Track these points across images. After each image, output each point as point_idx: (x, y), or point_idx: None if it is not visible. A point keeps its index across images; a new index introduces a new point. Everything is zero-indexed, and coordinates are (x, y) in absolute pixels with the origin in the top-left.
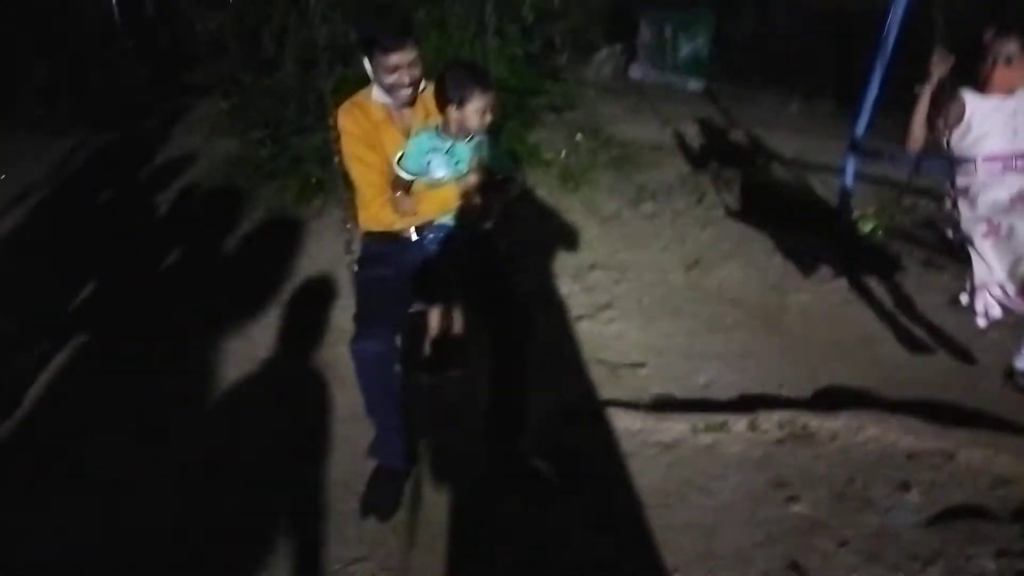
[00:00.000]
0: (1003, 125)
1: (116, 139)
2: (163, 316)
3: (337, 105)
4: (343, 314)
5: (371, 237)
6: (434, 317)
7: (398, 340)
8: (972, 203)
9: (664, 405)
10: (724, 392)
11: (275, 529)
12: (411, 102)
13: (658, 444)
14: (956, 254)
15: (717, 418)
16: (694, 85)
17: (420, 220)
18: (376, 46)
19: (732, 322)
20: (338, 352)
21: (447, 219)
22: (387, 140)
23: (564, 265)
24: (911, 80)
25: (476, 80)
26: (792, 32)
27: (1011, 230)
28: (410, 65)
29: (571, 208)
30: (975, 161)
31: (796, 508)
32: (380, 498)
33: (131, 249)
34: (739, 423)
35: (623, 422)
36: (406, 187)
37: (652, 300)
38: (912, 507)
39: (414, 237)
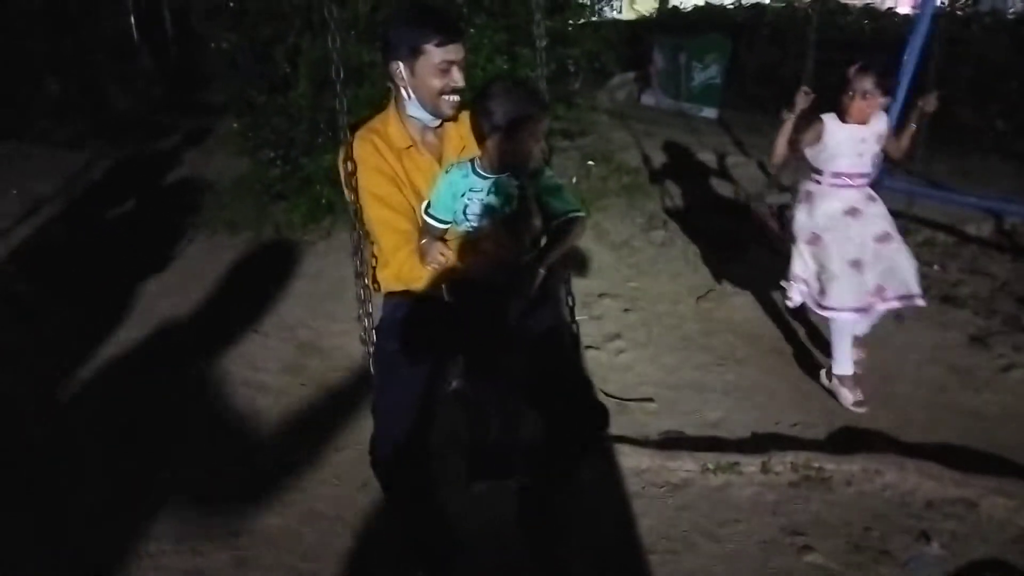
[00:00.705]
0: (852, 149)
1: (129, 155)
2: (161, 332)
3: (352, 131)
4: (346, 338)
5: (395, 301)
6: (485, 404)
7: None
8: (811, 208)
9: (673, 443)
10: (735, 430)
11: None
12: (452, 118)
13: (666, 484)
14: (781, 246)
15: (728, 458)
16: (708, 113)
17: (456, 276)
18: (425, 36)
19: (744, 355)
20: (339, 379)
21: (491, 274)
22: (416, 173)
23: (573, 292)
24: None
25: (531, 100)
26: (807, 62)
27: (825, 243)
28: (461, 64)
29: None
30: (824, 173)
31: (810, 558)
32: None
33: (134, 265)
34: (751, 464)
35: (630, 460)
36: (438, 238)
37: (662, 331)
38: (932, 559)
39: (447, 298)
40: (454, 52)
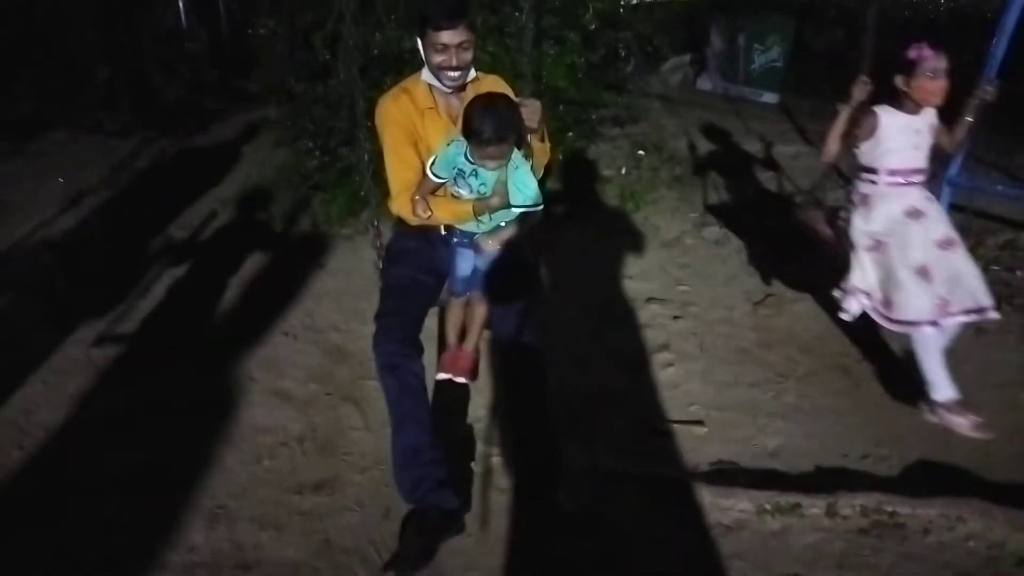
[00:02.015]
0: (908, 142)
1: (176, 144)
2: (189, 331)
3: (382, 95)
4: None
5: (400, 231)
6: (455, 311)
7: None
8: (868, 212)
9: (726, 476)
10: (796, 462)
11: None
12: (461, 87)
13: (718, 526)
14: (834, 253)
15: (789, 498)
16: (769, 98)
17: (435, 223)
18: (427, 20)
19: (805, 372)
20: (367, 389)
21: (470, 227)
22: (431, 130)
23: (619, 296)
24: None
25: (490, 126)
26: (879, 43)
27: (888, 249)
28: (460, 46)
29: (630, 230)
30: (879, 171)
31: None
32: (413, 549)
33: (169, 258)
34: (815, 506)
35: (678, 495)
36: (433, 189)
37: (714, 342)
38: None
39: (444, 234)
40: (448, 37)
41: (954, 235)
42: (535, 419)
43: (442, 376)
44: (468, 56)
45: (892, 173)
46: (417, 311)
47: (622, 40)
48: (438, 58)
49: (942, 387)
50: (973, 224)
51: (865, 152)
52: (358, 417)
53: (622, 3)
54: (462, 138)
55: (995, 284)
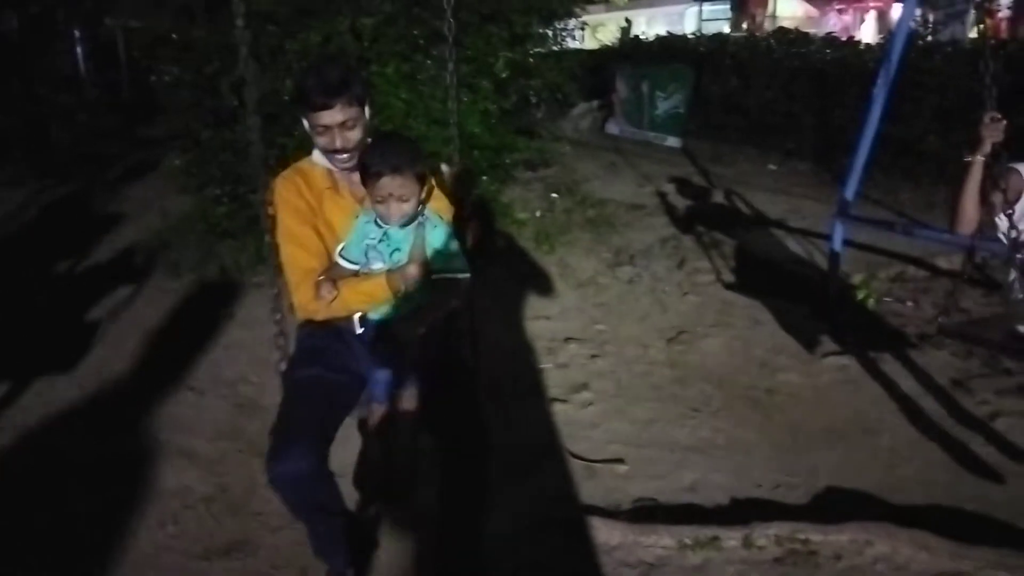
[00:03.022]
0: None
1: (70, 193)
2: (89, 394)
3: (276, 172)
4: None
5: (308, 329)
6: (377, 419)
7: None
8: None
9: (647, 514)
10: (713, 495)
11: None
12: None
13: (640, 564)
14: (1016, 349)
15: (707, 532)
16: (672, 142)
17: (346, 311)
18: (304, 99)
19: (718, 406)
20: None
21: (386, 312)
22: (335, 211)
23: (538, 337)
24: (901, 142)
25: (380, 156)
26: (770, 90)
27: None
28: (344, 126)
29: (546, 272)
30: None
31: None
32: None
33: (64, 315)
34: (732, 538)
35: (601, 535)
36: (345, 277)
37: (631, 379)
38: None
39: (359, 329)
40: (328, 117)
41: None
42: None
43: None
44: (355, 136)
45: None
46: (327, 421)
47: (532, 87)
48: (321, 140)
49: None
50: (865, 258)
51: (1018, 222)
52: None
53: (531, 52)
54: (370, 208)
55: (888, 315)
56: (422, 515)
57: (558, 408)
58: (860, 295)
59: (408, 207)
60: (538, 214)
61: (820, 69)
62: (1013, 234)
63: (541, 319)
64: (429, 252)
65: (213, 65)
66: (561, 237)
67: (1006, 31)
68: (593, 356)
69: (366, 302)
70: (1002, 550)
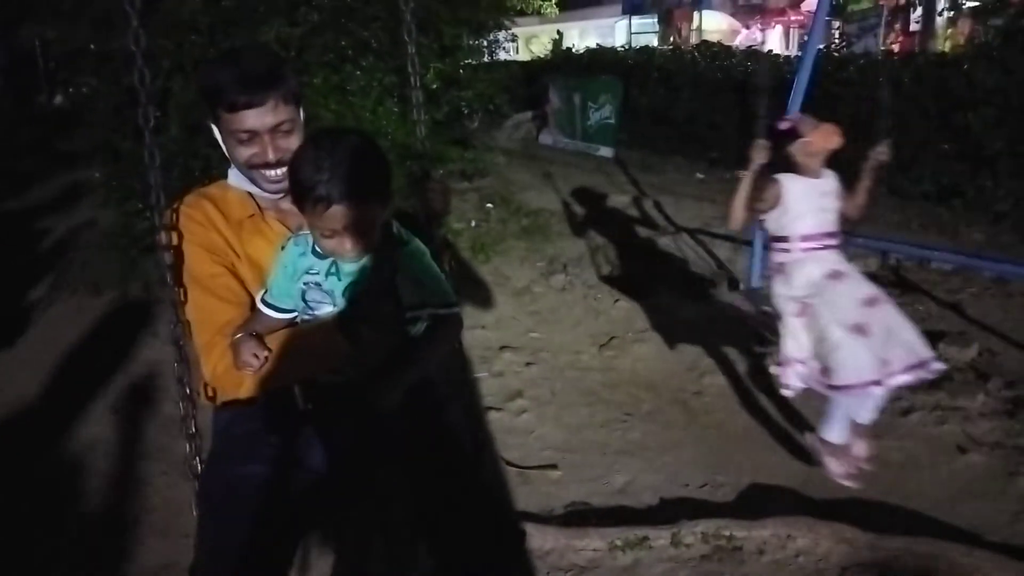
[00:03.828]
0: (815, 204)
1: None
2: (8, 406)
3: (181, 197)
4: None
5: (231, 413)
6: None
7: None
8: (788, 279)
9: (579, 518)
10: (643, 496)
11: None
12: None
13: (572, 568)
14: (768, 330)
15: (637, 532)
16: (604, 152)
17: (279, 382)
18: (216, 97)
19: (648, 409)
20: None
21: (344, 375)
22: (261, 248)
23: (473, 346)
24: None
25: (341, 182)
26: (695, 101)
27: (816, 310)
28: (277, 131)
29: (482, 281)
30: (791, 239)
31: None
32: None
33: None
34: (661, 537)
35: (534, 540)
36: (272, 330)
37: (565, 385)
38: None
39: (304, 405)
40: (255, 119)
41: (879, 293)
42: None
43: None
44: (291, 144)
45: (805, 239)
46: (277, 548)
47: (464, 99)
48: (244, 152)
49: (836, 431)
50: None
51: (774, 221)
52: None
53: (462, 64)
54: (303, 233)
55: None
56: None
57: (493, 416)
58: None
59: (369, 242)
60: (473, 224)
61: (741, 81)
62: (770, 229)
63: (477, 328)
64: (405, 283)
65: (132, 76)
66: (496, 246)
67: (917, 44)
68: (528, 364)
69: (311, 365)
70: (917, 538)
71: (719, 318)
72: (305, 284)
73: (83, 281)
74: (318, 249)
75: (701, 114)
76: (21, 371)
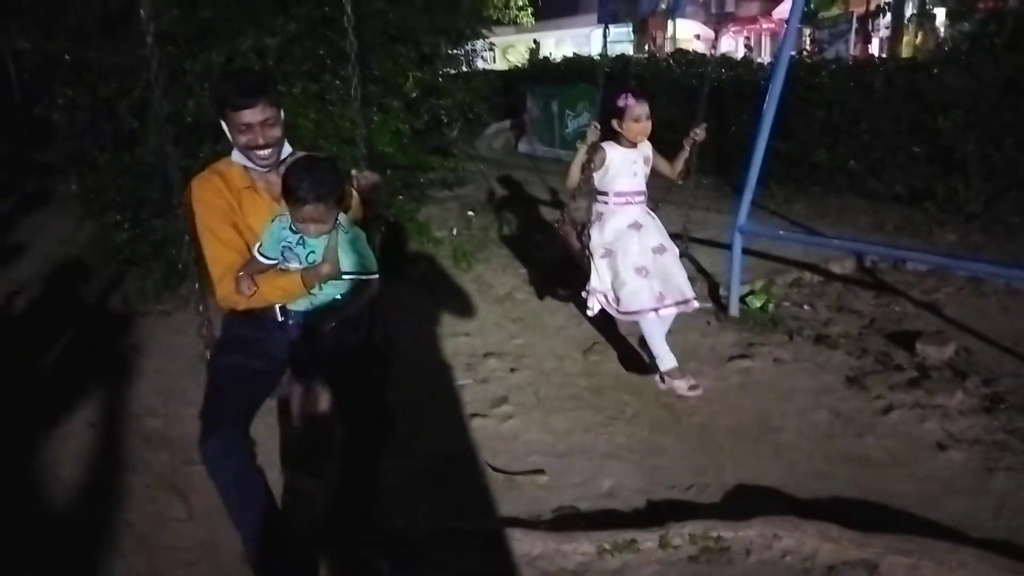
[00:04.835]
0: (628, 170)
1: None
2: None
3: (192, 178)
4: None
5: (232, 319)
6: (296, 400)
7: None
8: (602, 226)
9: (567, 522)
10: (630, 499)
11: None
12: (277, 163)
13: (561, 572)
14: (582, 261)
15: (625, 535)
16: None
17: (264, 304)
18: (224, 101)
19: (633, 413)
20: (192, 474)
21: (304, 305)
22: (252, 210)
23: (457, 353)
24: (792, 154)
25: (307, 185)
26: (671, 108)
27: (615, 255)
28: (264, 124)
29: (464, 289)
30: (609, 194)
31: None
32: None
33: None
34: (649, 539)
35: (522, 546)
36: (262, 271)
37: (550, 391)
38: None
39: (280, 318)
40: (251, 115)
41: (667, 243)
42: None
43: None
44: (275, 133)
45: (618, 195)
46: (249, 403)
47: (443, 107)
48: (243, 138)
49: (666, 359)
50: (763, 266)
51: (598, 179)
52: (181, 507)
53: (440, 73)
54: (286, 213)
55: (787, 319)
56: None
57: (478, 423)
58: (758, 302)
59: (326, 227)
60: (455, 232)
61: (716, 87)
62: (595, 186)
63: (461, 336)
64: (341, 255)
65: (110, 87)
66: (478, 254)
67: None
68: (512, 370)
69: (283, 297)
70: (901, 536)
71: (700, 320)
72: (284, 246)
73: (61, 295)
74: (294, 227)
75: (677, 121)
76: None
